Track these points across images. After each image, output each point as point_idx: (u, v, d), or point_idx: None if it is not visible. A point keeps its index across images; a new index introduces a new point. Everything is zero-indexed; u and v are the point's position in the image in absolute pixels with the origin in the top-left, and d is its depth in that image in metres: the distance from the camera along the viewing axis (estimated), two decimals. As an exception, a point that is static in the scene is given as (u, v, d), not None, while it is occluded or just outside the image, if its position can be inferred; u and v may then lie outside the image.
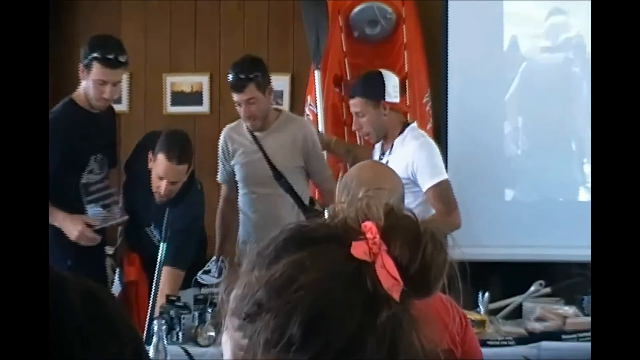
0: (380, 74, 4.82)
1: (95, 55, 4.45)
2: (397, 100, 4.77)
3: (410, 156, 4.57)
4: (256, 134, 4.98)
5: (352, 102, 4.79)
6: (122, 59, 4.51)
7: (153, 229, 4.72)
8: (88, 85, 4.51)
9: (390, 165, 4.57)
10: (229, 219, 5.12)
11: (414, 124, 4.83)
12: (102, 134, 4.69)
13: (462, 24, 5.90)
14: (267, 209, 4.93)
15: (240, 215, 5.06)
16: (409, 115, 5.21)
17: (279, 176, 4.94)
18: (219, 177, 5.17)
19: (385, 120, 4.71)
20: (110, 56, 4.45)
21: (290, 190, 4.94)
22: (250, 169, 5.00)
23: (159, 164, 4.50)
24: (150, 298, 4.20)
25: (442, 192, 4.54)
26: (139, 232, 4.80)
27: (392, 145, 4.71)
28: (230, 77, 4.87)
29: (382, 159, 4.72)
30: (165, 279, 4.38)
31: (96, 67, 4.45)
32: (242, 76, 4.81)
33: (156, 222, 4.63)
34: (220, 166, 5.14)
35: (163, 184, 4.52)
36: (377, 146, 4.87)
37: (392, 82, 4.78)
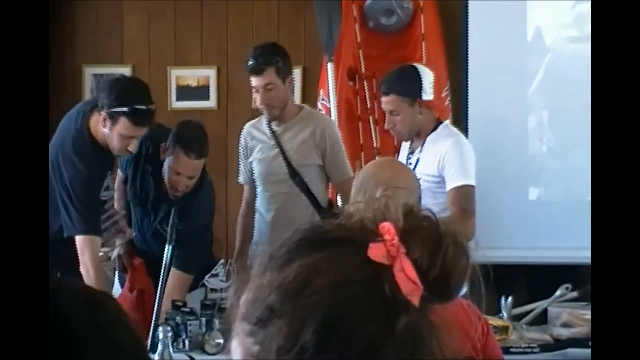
0: (416, 69, 4.77)
1: (124, 110, 4.31)
2: (432, 97, 4.74)
3: (442, 152, 4.56)
4: (275, 128, 5.00)
5: (385, 99, 4.71)
6: (152, 109, 4.40)
7: (166, 227, 4.71)
8: (110, 136, 4.37)
9: (420, 163, 4.59)
10: (250, 222, 5.14)
11: (447, 122, 4.84)
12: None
13: (483, 14, 5.89)
14: (281, 208, 4.94)
15: (256, 214, 5.09)
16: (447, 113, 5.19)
17: (294, 174, 4.95)
18: (240, 178, 5.21)
19: (420, 119, 4.67)
20: (142, 107, 4.33)
21: (306, 190, 4.94)
22: (266, 165, 5.03)
23: (177, 159, 4.52)
24: (155, 304, 4.21)
25: (462, 197, 4.52)
26: (145, 235, 4.81)
27: (424, 143, 4.68)
28: (249, 60, 4.89)
29: (411, 157, 4.70)
30: (175, 283, 4.43)
31: (124, 122, 4.32)
32: (262, 60, 4.85)
33: (166, 220, 4.63)
34: (240, 166, 5.17)
35: (182, 180, 4.54)
36: (406, 144, 4.85)
37: (428, 78, 4.72)
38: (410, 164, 4.65)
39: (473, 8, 5.90)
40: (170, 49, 6.41)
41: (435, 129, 4.70)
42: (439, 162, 4.53)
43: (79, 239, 4.32)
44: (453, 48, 5.94)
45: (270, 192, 5.02)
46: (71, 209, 4.31)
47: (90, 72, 6.44)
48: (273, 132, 5.01)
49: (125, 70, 6.40)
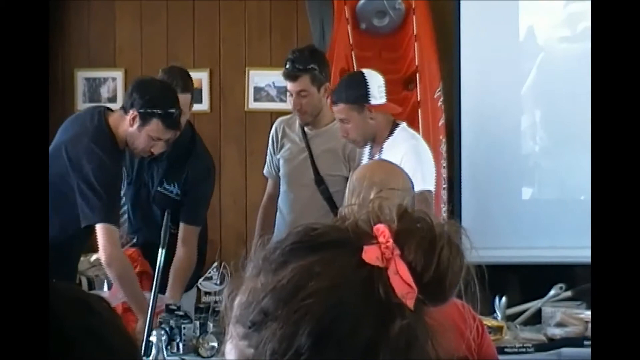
0: (363, 74, 4.73)
1: (158, 112, 4.38)
2: (382, 100, 4.66)
3: (398, 159, 4.45)
4: (307, 131, 5.00)
5: (335, 108, 4.70)
6: (180, 114, 4.50)
7: (167, 186, 4.78)
8: (137, 135, 4.42)
9: None
10: (271, 215, 5.16)
11: (404, 124, 4.75)
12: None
13: (476, 14, 5.90)
14: (303, 212, 4.95)
15: (277, 213, 5.11)
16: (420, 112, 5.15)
17: (320, 181, 4.95)
18: (265, 170, 5.25)
19: (372, 124, 4.62)
20: (174, 111, 4.42)
21: (329, 199, 4.94)
22: (294, 166, 5.06)
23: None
24: (149, 307, 4.20)
25: (422, 202, 4.42)
26: (137, 220, 4.87)
27: (382, 149, 4.63)
28: (286, 64, 4.91)
29: None
30: (185, 236, 4.63)
31: (156, 124, 4.38)
32: (298, 66, 4.86)
33: (168, 179, 4.75)
34: (267, 158, 5.21)
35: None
36: (366, 149, 4.81)
37: (376, 82, 4.66)
38: None
39: (465, 8, 5.90)
40: (162, 52, 6.40)
41: (392, 132, 4.66)
42: None
43: (100, 227, 4.35)
44: (446, 48, 5.94)
45: (294, 194, 5.05)
46: (93, 199, 4.34)
47: (82, 75, 6.42)
48: (305, 134, 5.02)
49: (118, 74, 6.39)
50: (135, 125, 4.39)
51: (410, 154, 4.49)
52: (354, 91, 4.63)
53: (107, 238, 4.32)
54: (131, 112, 4.39)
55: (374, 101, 4.61)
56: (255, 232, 5.17)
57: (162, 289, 4.33)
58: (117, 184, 4.53)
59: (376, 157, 4.64)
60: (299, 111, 4.91)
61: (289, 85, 4.90)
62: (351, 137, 4.70)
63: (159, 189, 4.78)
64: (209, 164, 4.88)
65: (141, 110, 4.38)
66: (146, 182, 4.83)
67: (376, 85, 4.65)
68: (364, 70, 4.87)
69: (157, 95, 4.45)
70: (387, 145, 4.63)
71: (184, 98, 4.64)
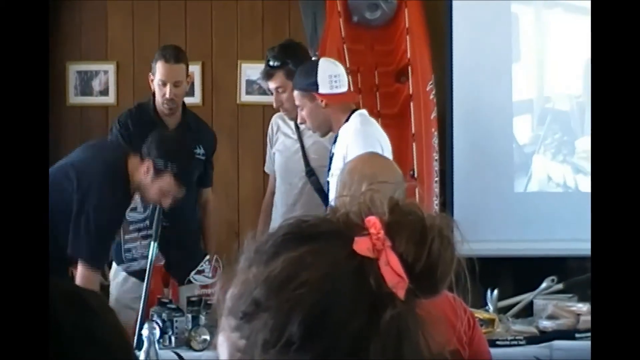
0: (316, 64, 4.70)
1: (174, 169, 4.41)
2: (337, 90, 4.58)
3: (345, 145, 4.43)
4: (299, 124, 5.01)
5: (294, 94, 4.68)
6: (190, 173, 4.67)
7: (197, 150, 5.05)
8: (150, 186, 4.39)
9: (334, 158, 4.52)
10: (271, 213, 5.20)
11: (362, 111, 4.69)
12: None
13: (468, 6, 5.90)
14: (295, 205, 5.00)
15: (274, 205, 5.17)
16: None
17: (311, 173, 4.97)
18: (266, 166, 5.33)
19: (325, 113, 4.56)
20: (189, 170, 4.58)
21: (319, 190, 4.95)
22: (287, 159, 5.10)
23: (158, 70, 4.94)
24: (142, 300, 4.21)
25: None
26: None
27: (337, 136, 4.59)
28: (264, 67, 5.01)
29: (331, 151, 4.63)
30: (207, 196, 5.19)
31: (169, 180, 4.38)
32: (272, 63, 4.91)
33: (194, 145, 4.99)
34: (267, 154, 5.29)
35: (167, 88, 4.90)
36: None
37: (328, 71, 4.60)
38: (329, 159, 4.60)
39: (457, 1, 5.90)
40: (154, 45, 6.37)
41: (348, 119, 4.57)
42: (344, 156, 4.32)
43: (82, 267, 4.32)
44: (438, 41, 5.94)
45: (286, 187, 5.08)
46: (83, 237, 4.31)
47: (74, 69, 6.41)
48: (297, 127, 5.05)
49: (110, 67, 6.39)
50: (149, 177, 4.37)
51: (354, 139, 4.41)
52: (304, 79, 4.61)
53: (84, 281, 4.27)
54: (146, 162, 4.37)
55: (323, 90, 4.54)
56: (257, 229, 5.16)
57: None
58: (113, 230, 4.52)
59: (332, 147, 4.61)
60: (281, 108, 4.94)
61: (268, 84, 4.97)
62: (308, 125, 4.69)
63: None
64: (210, 127, 5.37)
65: (155, 164, 4.35)
66: None
67: (327, 74, 4.59)
68: (321, 59, 4.86)
69: (172, 151, 4.45)
70: (341, 131, 4.56)
71: (178, 68, 4.91)
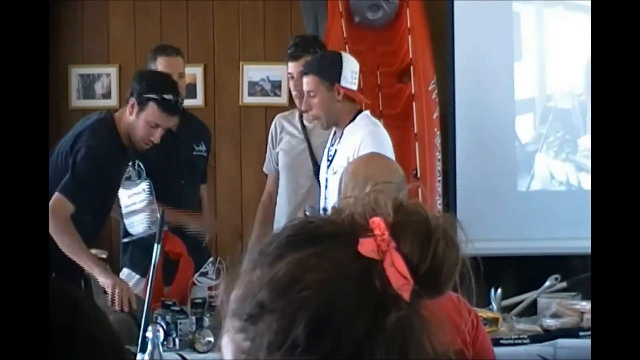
0: (340, 55, 4.72)
1: (154, 97, 4.41)
2: (354, 87, 4.60)
3: (357, 144, 4.42)
4: (306, 123, 5.04)
5: (305, 79, 4.61)
6: (180, 100, 4.56)
7: (198, 147, 5.16)
8: (136, 123, 4.43)
9: (337, 155, 4.53)
10: (269, 214, 5.18)
11: (367, 112, 4.70)
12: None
13: (470, 6, 5.90)
14: (302, 203, 4.98)
15: (277, 207, 5.14)
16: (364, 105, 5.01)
17: (318, 172, 4.97)
18: (264, 167, 5.30)
19: (337, 107, 4.55)
20: (171, 97, 4.45)
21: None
22: (293, 158, 5.09)
23: (161, 64, 4.99)
24: (145, 303, 4.20)
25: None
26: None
27: (342, 134, 4.58)
28: (289, 48, 5.00)
29: (331, 149, 4.65)
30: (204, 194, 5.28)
31: (153, 109, 4.40)
32: (301, 47, 4.95)
33: (195, 142, 5.13)
34: (267, 154, 5.26)
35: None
36: (331, 134, 4.74)
37: (351, 67, 4.62)
38: (330, 156, 4.61)
39: (459, 1, 5.90)
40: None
41: (354, 119, 4.58)
42: (354, 154, 4.31)
43: (56, 198, 4.19)
44: (439, 41, 5.94)
45: (293, 186, 5.08)
46: (68, 177, 4.28)
47: (76, 72, 6.42)
48: (304, 126, 5.05)
49: (112, 70, 6.39)
50: (134, 113, 4.40)
51: (368, 139, 4.41)
52: (328, 67, 4.59)
53: (54, 203, 4.12)
54: (130, 100, 4.42)
55: (344, 84, 4.55)
56: (254, 229, 5.16)
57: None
58: (99, 178, 4.40)
59: (336, 142, 4.61)
60: (299, 93, 4.85)
61: (290, 66, 4.96)
62: (313, 113, 4.62)
63: (194, 152, 5.07)
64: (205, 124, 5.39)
65: (138, 97, 4.40)
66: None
67: (350, 69, 4.60)
68: (343, 53, 4.87)
69: (153, 81, 4.51)
70: (347, 131, 4.56)
71: (179, 60, 5.01)
